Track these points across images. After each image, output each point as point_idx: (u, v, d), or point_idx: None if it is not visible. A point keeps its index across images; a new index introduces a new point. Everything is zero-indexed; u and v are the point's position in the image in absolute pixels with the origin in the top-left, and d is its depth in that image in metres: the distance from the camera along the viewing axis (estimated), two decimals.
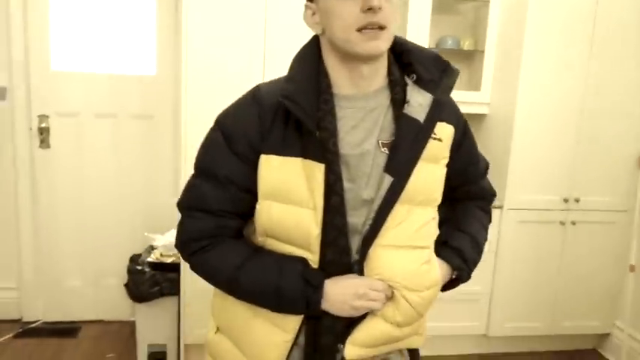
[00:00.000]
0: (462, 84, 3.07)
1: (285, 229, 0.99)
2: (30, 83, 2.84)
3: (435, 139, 1.03)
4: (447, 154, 1.09)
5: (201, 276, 1.08)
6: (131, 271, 2.67)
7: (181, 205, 1.08)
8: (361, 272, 1.01)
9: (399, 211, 1.01)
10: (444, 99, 1.05)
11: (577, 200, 2.73)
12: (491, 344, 2.90)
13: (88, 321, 3.04)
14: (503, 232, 2.72)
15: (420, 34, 2.70)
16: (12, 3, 2.73)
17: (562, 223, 2.75)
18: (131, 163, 3.01)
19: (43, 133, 2.88)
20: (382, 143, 1.01)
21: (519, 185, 2.70)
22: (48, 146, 2.91)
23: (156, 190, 3.03)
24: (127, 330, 2.94)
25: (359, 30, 0.94)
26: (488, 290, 2.78)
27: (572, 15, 2.58)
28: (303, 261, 1.00)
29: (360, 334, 1.03)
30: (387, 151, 1.01)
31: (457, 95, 2.93)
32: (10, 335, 2.86)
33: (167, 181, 3.01)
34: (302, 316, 1.02)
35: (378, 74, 1.02)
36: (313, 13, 1.01)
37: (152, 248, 2.82)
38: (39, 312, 3.03)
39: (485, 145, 2.93)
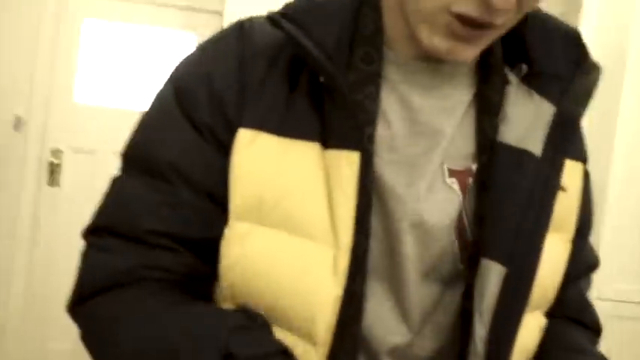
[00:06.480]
0: None
1: (273, 283, 0.50)
2: (49, 114, 2.59)
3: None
4: (575, 214, 0.60)
5: (89, 348, 0.55)
6: None
7: (87, 229, 0.58)
8: None
9: None
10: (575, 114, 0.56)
11: None
12: None
13: None
14: None
15: None
16: (42, 34, 2.55)
17: None
18: None
19: (54, 169, 2.60)
20: (450, 170, 0.55)
21: (613, 270, 2.13)
22: (57, 184, 2.61)
23: None
24: None
25: (456, 17, 0.48)
26: None
27: None
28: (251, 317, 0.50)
29: None
30: (457, 187, 0.54)
31: None
32: None
33: None
34: None
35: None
36: None
37: None
38: None
39: None
